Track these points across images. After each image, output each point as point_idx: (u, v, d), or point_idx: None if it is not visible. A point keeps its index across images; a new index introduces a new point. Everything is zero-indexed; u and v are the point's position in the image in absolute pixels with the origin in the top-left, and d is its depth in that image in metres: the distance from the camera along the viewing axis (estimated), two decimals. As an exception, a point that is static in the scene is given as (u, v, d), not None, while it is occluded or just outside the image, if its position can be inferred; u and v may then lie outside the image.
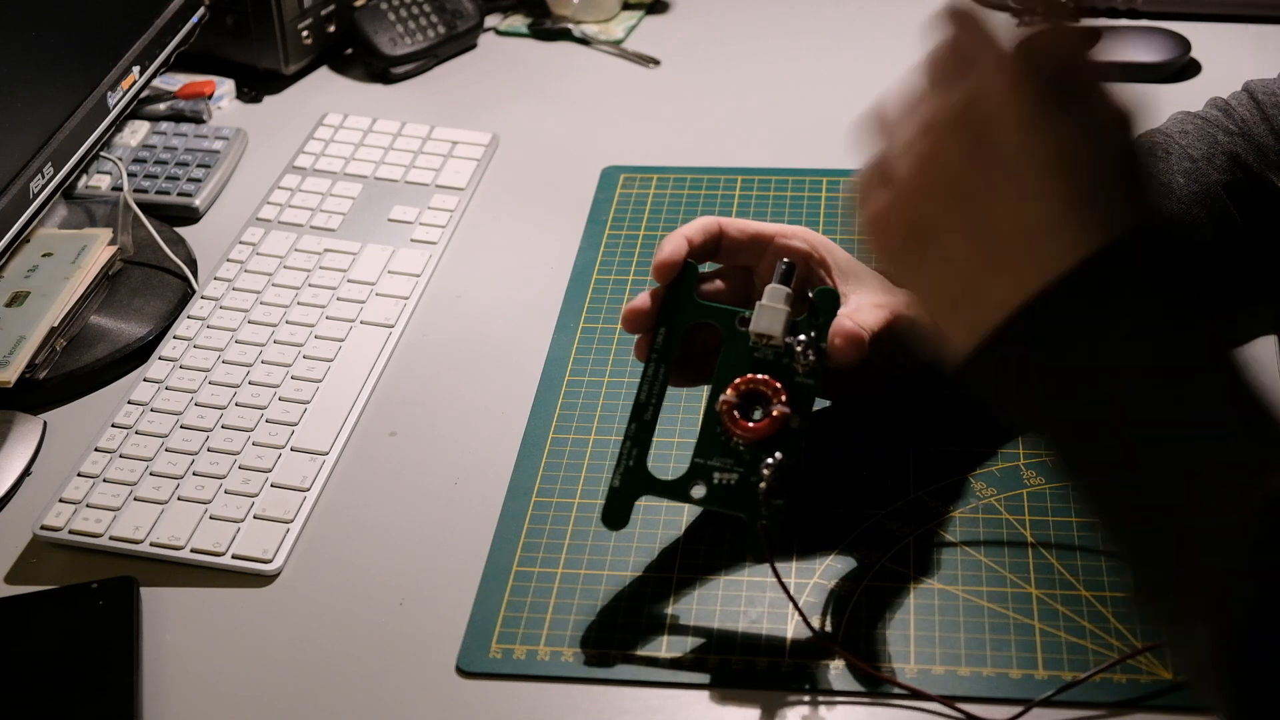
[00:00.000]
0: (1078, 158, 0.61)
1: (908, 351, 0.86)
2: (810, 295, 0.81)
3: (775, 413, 0.79)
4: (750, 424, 0.79)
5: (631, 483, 0.81)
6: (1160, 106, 1.09)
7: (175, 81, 1.32)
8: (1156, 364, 0.59)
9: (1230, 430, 0.58)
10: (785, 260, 0.82)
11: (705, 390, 0.82)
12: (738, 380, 0.79)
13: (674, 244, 0.83)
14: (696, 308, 0.83)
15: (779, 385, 0.79)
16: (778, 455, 0.78)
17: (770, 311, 0.80)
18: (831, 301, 0.81)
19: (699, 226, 0.85)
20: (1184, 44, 1.28)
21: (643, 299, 0.83)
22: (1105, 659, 0.78)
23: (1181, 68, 1.28)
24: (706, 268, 0.87)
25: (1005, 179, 0.62)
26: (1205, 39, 1.30)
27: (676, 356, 0.82)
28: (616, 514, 0.81)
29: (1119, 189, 0.61)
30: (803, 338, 0.80)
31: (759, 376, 0.80)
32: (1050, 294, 0.60)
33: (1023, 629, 0.80)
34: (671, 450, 0.90)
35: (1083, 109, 0.62)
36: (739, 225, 0.86)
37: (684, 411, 0.94)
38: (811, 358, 0.79)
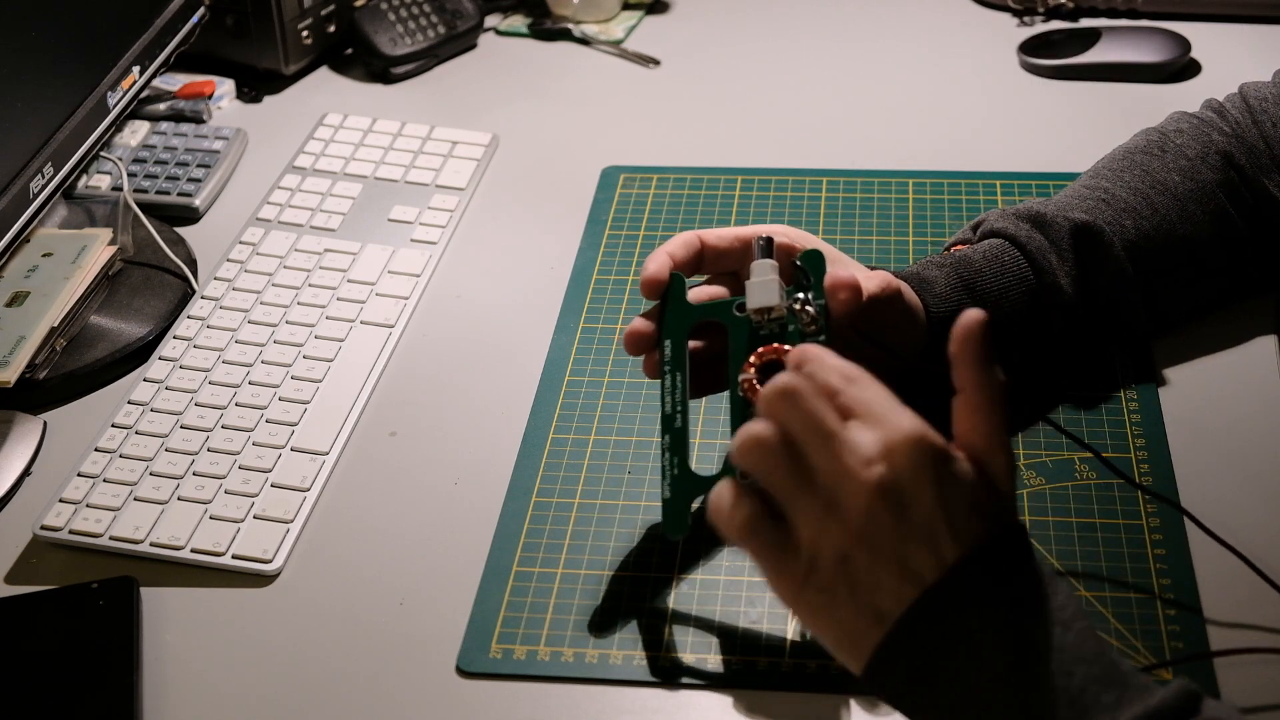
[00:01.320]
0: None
1: (904, 328, 0.87)
2: (797, 263, 0.82)
3: None
4: None
5: (682, 489, 0.81)
6: (1160, 106, 1.10)
7: (175, 81, 1.32)
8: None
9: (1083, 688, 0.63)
10: (761, 237, 0.82)
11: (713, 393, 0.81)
12: (752, 357, 0.79)
13: (658, 261, 0.84)
14: (692, 311, 0.83)
15: (790, 348, 0.79)
16: None
17: (762, 285, 0.80)
18: (818, 260, 0.81)
19: (679, 242, 0.86)
20: (1184, 44, 1.29)
21: (639, 322, 0.84)
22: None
23: (1181, 68, 1.28)
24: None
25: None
26: (1205, 39, 1.30)
27: (688, 363, 0.82)
28: (676, 521, 0.81)
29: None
30: (800, 295, 0.80)
31: (771, 346, 0.79)
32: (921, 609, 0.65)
33: (1023, 629, 0.80)
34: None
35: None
36: (717, 233, 0.86)
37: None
38: (812, 311, 0.79)
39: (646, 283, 0.83)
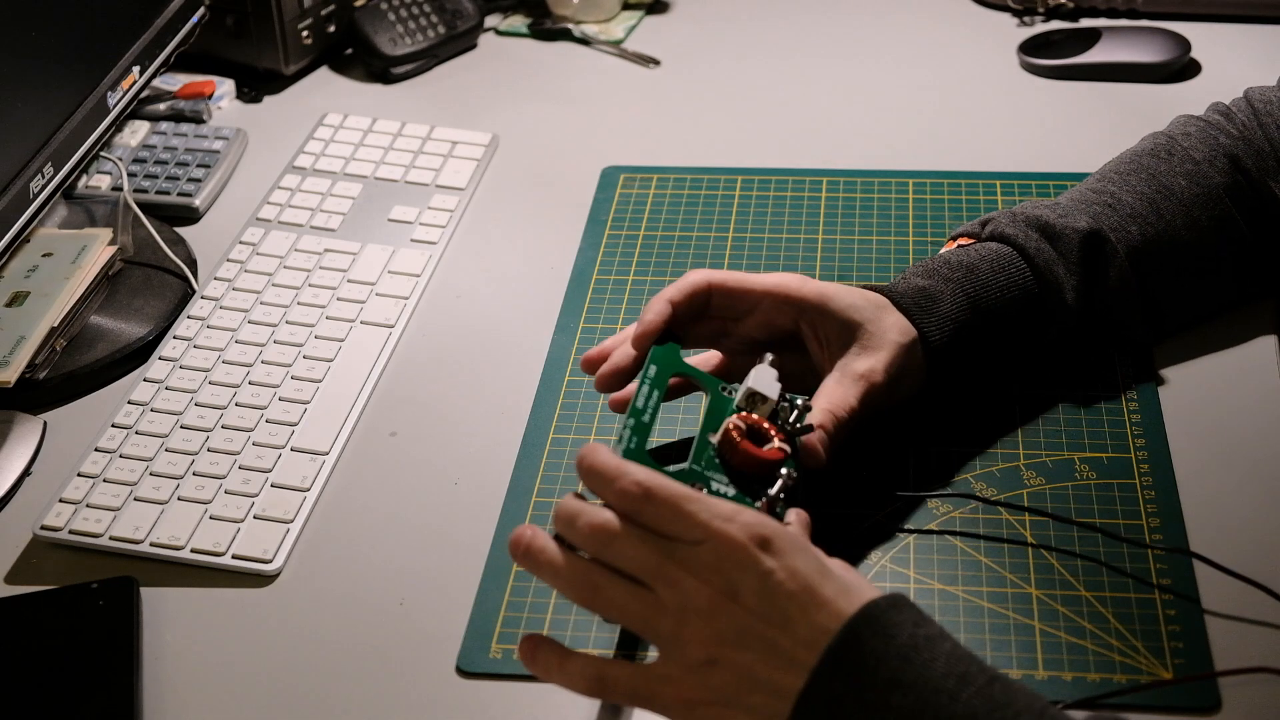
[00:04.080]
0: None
1: (901, 387, 0.87)
2: (786, 403, 0.83)
3: (776, 446, 0.80)
4: (757, 450, 0.79)
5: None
6: (1160, 106, 1.10)
7: (175, 81, 1.32)
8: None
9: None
10: (771, 358, 0.84)
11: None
12: (743, 413, 0.81)
13: (656, 310, 0.85)
14: (685, 367, 0.85)
15: (769, 428, 0.81)
16: (791, 473, 0.79)
17: (756, 395, 0.82)
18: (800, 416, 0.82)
19: (687, 287, 0.87)
20: (1184, 44, 1.29)
21: (618, 358, 0.86)
22: (1105, 659, 0.78)
23: (1181, 68, 1.28)
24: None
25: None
26: (1205, 39, 1.30)
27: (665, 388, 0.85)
28: None
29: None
30: (782, 422, 0.82)
31: (757, 418, 0.81)
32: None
33: (1023, 629, 0.80)
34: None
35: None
36: (727, 287, 0.87)
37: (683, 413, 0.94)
38: (786, 438, 0.81)
39: (639, 338, 0.85)
